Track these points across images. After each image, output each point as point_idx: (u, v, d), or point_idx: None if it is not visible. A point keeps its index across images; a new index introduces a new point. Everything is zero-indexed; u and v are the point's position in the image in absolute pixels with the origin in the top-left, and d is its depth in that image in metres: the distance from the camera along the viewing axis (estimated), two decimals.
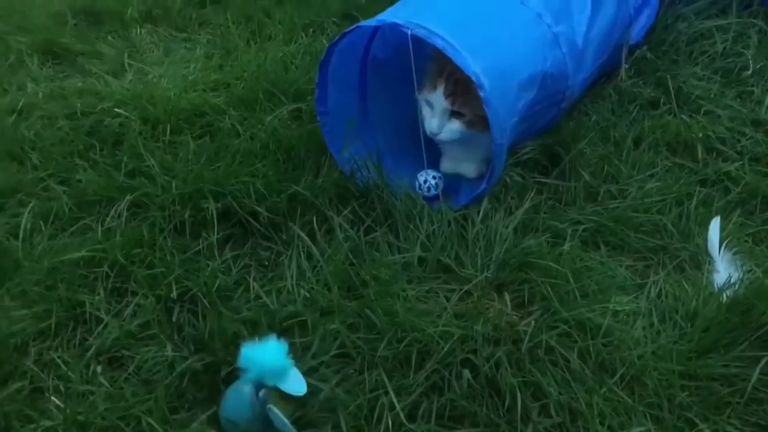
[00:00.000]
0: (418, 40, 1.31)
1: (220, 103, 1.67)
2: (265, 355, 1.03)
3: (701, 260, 1.29)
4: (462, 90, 1.31)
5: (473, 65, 1.24)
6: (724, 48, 1.76)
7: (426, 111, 1.38)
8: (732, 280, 1.20)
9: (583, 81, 1.53)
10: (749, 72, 1.69)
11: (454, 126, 1.35)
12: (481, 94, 1.24)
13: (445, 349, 1.11)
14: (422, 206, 1.36)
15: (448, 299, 1.21)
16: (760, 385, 1.07)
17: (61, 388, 1.10)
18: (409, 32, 1.27)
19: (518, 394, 1.05)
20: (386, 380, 1.08)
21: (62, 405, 1.06)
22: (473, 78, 1.23)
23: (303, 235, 1.30)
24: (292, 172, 1.45)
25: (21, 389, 1.11)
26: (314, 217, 1.35)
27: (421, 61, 1.38)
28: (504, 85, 1.28)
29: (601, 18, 1.54)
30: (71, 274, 1.26)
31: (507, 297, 1.20)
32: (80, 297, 1.23)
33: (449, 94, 1.32)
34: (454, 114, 1.35)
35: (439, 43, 1.25)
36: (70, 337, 1.19)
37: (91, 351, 1.16)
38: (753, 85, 1.66)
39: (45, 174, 1.50)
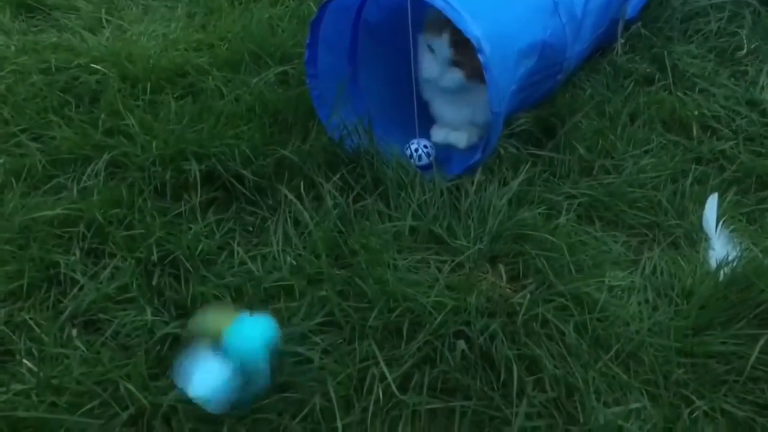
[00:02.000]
0: (413, 7, 1.26)
1: (203, 63, 1.61)
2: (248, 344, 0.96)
3: (696, 238, 1.27)
4: (466, 40, 1.26)
5: (474, 29, 1.19)
6: (719, 27, 1.74)
7: (427, 55, 1.34)
8: (729, 258, 1.18)
9: (580, 53, 1.50)
10: (743, 52, 1.68)
11: (455, 75, 1.32)
12: (481, 58, 1.20)
13: (438, 320, 1.07)
14: (414, 175, 1.32)
15: (440, 270, 1.18)
16: (758, 363, 1.05)
17: (34, 350, 1.04)
18: None
19: (513, 367, 1.02)
20: (377, 350, 1.05)
21: (35, 368, 1.01)
22: (474, 42, 1.19)
23: (293, 198, 1.25)
24: (278, 136, 1.40)
25: None
26: (301, 183, 1.31)
27: (414, 28, 1.33)
28: (504, 52, 1.24)
29: None
30: (45, 233, 1.20)
31: (502, 269, 1.17)
32: (54, 257, 1.17)
33: (453, 44, 1.28)
34: (455, 63, 1.31)
35: (439, 4, 1.20)
36: (44, 299, 1.13)
37: (66, 313, 1.10)
38: (747, 65, 1.65)
39: (17, 129, 1.43)
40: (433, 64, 1.32)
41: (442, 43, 1.29)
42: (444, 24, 1.27)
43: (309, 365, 1.03)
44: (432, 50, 1.32)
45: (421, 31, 1.35)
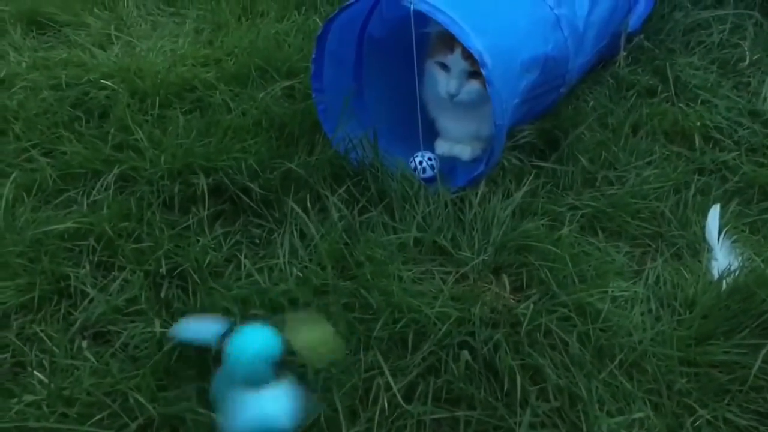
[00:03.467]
0: (416, 21, 1.28)
1: (211, 78, 1.63)
2: (251, 354, 0.95)
3: (699, 248, 1.28)
4: None
5: (476, 43, 1.21)
6: (721, 39, 1.76)
7: (440, 74, 1.35)
8: (732, 268, 1.19)
9: (582, 66, 1.52)
10: (746, 63, 1.69)
11: (473, 86, 1.33)
12: (484, 72, 1.22)
13: (442, 330, 1.08)
14: (418, 187, 1.33)
15: (444, 281, 1.19)
16: (760, 372, 1.06)
17: (45, 362, 1.06)
18: (411, 7, 1.24)
19: (517, 377, 1.03)
20: (382, 361, 1.06)
21: (46, 380, 1.02)
22: (476, 56, 1.21)
23: (299, 210, 1.27)
24: (285, 150, 1.42)
25: (2, 363, 1.07)
26: (307, 196, 1.32)
27: (419, 41, 1.35)
28: (506, 65, 1.26)
29: (601, 3, 1.53)
30: (55, 247, 1.22)
31: (506, 280, 1.18)
32: (65, 270, 1.19)
33: (468, 56, 1.29)
34: (471, 75, 1.32)
35: (442, 19, 1.22)
36: (54, 311, 1.15)
37: (76, 325, 1.12)
38: (749, 77, 1.66)
39: (28, 144, 1.45)
40: (450, 80, 1.33)
41: (457, 58, 1.31)
42: (453, 39, 1.29)
43: (315, 375, 1.04)
44: (446, 68, 1.33)
45: (426, 56, 1.37)
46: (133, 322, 1.13)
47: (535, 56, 1.32)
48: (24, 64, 1.70)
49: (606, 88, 1.62)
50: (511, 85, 1.28)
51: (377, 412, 1.00)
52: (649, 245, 1.29)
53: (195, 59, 1.71)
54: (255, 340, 0.97)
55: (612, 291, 1.17)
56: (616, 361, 1.07)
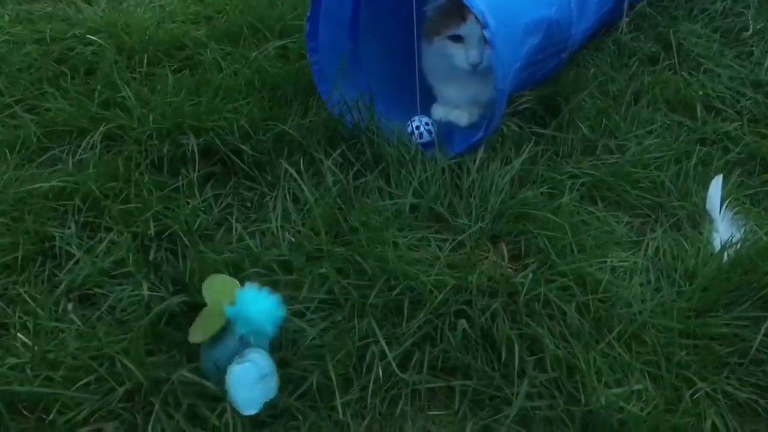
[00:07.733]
0: None
1: (201, 36, 1.59)
2: (257, 311, 0.96)
3: (699, 219, 1.26)
4: None
5: (479, 2, 1.17)
6: (724, 7, 1.73)
7: (455, 48, 1.31)
8: (733, 240, 1.17)
9: (585, 31, 1.48)
10: (749, 32, 1.66)
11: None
12: (486, 34, 1.18)
13: (439, 298, 1.06)
14: (415, 152, 1.30)
15: (440, 249, 1.16)
16: (761, 346, 1.04)
17: (29, 324, 1.02)
18: None
19: (514, 347, 1.01)
20: (377, 329, 1.03)
21: (30, 342, 0.99)
22: (479, 16, 1.17)
23: (293, 173, 1.23)
24: (278, 111, 1.38)
25: None
26: (301, 159, 1.29)
27: (419, 5, 1.31)
28: (510, 27, 1.22)
29: None
30: (40, 206, 1.18)
31: (504, 248, 1.16)
32: (49, 230, 1.15)
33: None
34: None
35: None
36: (38, 272, 1.11)
37: (61, 287, 1.08)
38: (752, 46, 1.64)
39: (11, 100, 1.40)
40: (470, 50, 1.29)
41: (472, 24, 1.26)
42: (460, 9, 1.25)
43: (308, 342, 1.01)
44: (460, 39, 1.29)
45: (423, 36, 1.34)
46: (120, 284, 1.09)
47: (539, 19, 1.29)
48: (7, 17, 1.64)
49: (608, 55, 1.58)
50: (513, 49, 1.24)
51: (371, 381, 0.98)
52: (649, 215, 1.27)
53: (185, 16, 1.66)
54: (259, 301, 0.96)
55: (611, 261, 1.15)
56: (615, 332, 1.05)
